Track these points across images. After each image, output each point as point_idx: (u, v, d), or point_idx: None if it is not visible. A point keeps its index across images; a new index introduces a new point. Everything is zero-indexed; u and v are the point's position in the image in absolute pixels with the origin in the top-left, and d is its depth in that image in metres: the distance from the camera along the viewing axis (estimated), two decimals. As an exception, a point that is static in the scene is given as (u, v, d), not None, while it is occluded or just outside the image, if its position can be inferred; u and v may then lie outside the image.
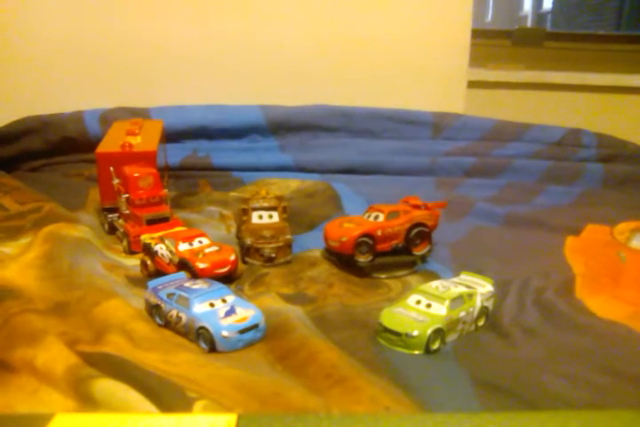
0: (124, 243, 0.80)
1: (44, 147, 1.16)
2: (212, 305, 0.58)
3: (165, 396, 0.45)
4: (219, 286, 0.61)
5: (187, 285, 0.61)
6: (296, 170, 1.14)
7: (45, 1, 1.24)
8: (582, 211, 0.98)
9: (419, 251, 0.76)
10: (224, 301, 0.58)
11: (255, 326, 0.56)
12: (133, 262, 0.76)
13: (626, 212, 0.94)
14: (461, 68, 1.41)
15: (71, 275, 0.68)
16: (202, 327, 0.55)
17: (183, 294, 0.59)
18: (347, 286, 0.70)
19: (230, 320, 0.55)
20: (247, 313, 0.57)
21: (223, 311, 0.57)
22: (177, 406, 0.44)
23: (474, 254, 0.80)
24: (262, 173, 1.12)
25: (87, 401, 0.45)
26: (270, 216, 0.79)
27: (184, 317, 0.57)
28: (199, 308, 0.57)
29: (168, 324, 0.58)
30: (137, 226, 0.79)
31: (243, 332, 0.54)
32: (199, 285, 0.61)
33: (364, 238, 0.72)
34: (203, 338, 0.55)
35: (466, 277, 0.66)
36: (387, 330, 0.56)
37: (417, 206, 0.79)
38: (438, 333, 0.56)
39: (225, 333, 0.54)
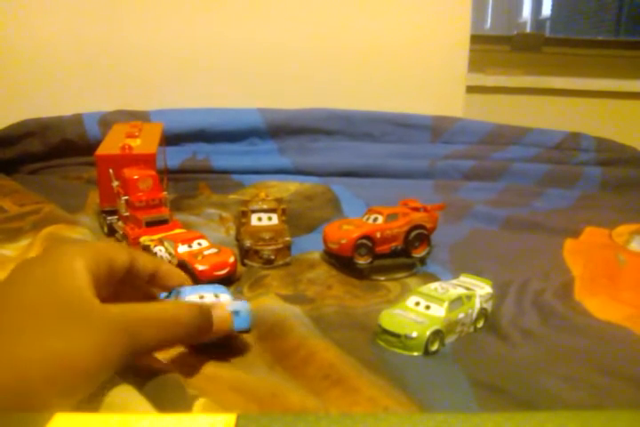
0: (124, 245, 0.80)
1: (43, 149, 1.16)
2: (201, 297, 0.56)
3: (165, 392, 0.44)
4: (214, 286, 0.60)
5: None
6: (295, 173, 1.15)
7: (45, 4, 1.24)
8: (581, 214, 0.98)
9: (418, 253, 0.76)
10: (216, 296, 0.57)
11: (236, 313, 0.53)
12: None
13: (624, 215, 0.94)
14: (460, 73, 1.42)
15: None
16: None
17: (175, 293, 0.58)
18: (346, 287, 0.70)
19: None
20: (229, 301, 0.55)
21: (209, 300, 0.55)
22: (177, 404, 0.44)
23: (473, 256, 0.80)
24: (261, 175, 1.12)
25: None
26: (269, 218, 0.80)
27: None
28: (189, 298, 0.56)
29: None
30: (136, 228, 0.79)
31: None
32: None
33: (363, 240, 0.72)
34: None
35: (465, 278, 0.66)
36: (386, 332, 0.56)
37: (416, 209, 0.80)
38: (437, 334, 0.56)
39: None
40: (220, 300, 0.56)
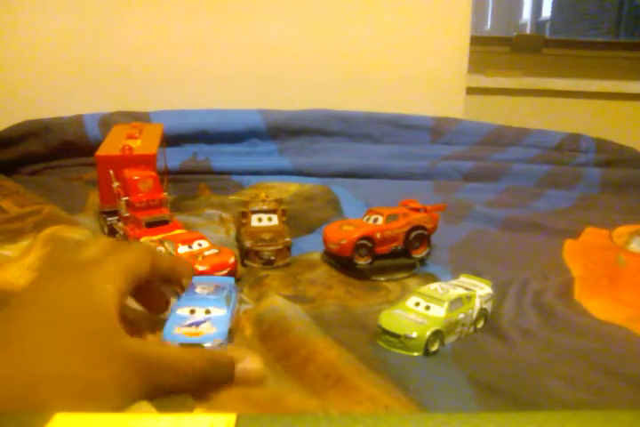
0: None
1: (43, 150, 1.16)
2: (192, 311, 0.55)
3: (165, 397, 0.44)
4: (220, 294, 0.58)
5: (195, 289, 0.59)
6: (295, 174, 1.15)
7: (46, 5, 1.24)
8: (581, 214, 0.98)
9: (418, 254, 0.76)
10: (207, 312, 0.53)
11: (200, 345, 0.52)
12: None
13: (624, 215, 0.95)
14: (461, 75, 1.42)
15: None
16: None
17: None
18: (346, 288, 0.70)
19: (182, 331, 0.52)
20: (206, 331, 0.51)
21: (191, 321, 0.52)
22: (177, 408, 0.44)
23: (473, 257, 0.80)
24: (261, 176, 1.13)
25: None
26: (270, 219, 0.80)
27: None
28: (180, 312, 0.55)
29: None
30: (136, 229, 0.79)
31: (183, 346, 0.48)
32: (205, 289, 0.59)
33: (364, 241, 0.72)
34: None
35: (465, 279, 0.66)
36: (386, 332, 0.56)
37: (416, 209, 0.80)
38: (437, 334, 0.56)
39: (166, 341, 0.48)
40: (211, 317, 0.54)
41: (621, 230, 0.77)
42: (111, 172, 0.83)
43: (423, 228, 0.77)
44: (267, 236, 0.77)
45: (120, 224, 0.83)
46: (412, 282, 0.72)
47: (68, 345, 0.34)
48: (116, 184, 0.83)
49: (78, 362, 0.33)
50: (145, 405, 0.41)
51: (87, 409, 0.33)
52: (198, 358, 0.42)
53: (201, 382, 0.42)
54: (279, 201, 0.83)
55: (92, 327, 0.35)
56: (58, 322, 0.35)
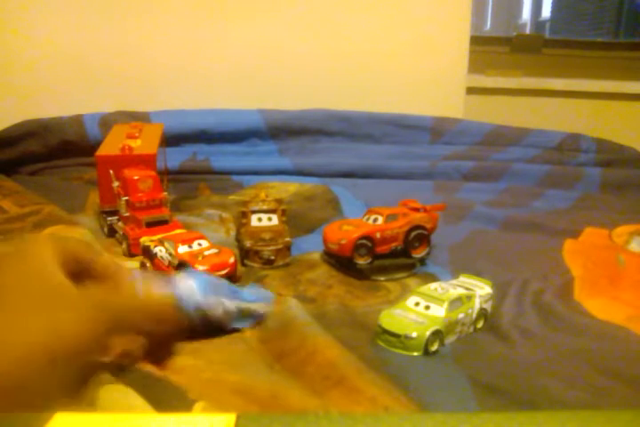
0: (124, 245, 0.80)
1: (43, 150, 1.16)
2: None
3: (165, 397, 0.45)
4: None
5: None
6: (295, 173, 1.15)
7: (45, 5, 1.24)
8: (581, 214, 0.98)
9: (417, 253, 0.76)
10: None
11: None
12: (133, 265, 0.76)
13: (624, 215, 0.94)
14: (460, 75, 1.42)
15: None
16: None
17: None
18: (346, 288, 0.70)
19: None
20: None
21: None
22: (177, 407, 0.44)
23: (472, 257, 0.80)
24: (261, 176, 1.13)
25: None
26: (269, 219, 0.79)
27: None
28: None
29: None
30: (136, 228, 0.79)
31: None
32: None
33: (363, 241, 0.72)
34: None
35: (465, 279, 0.66)
36: (386, 332, 0.56)
37: (416, 209, 0.80)
38: (437, 334, 0.56)
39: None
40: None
41: (621, 230, 0.77)
42: (111, 172, 0.83)
43: (423, 227, 0.77)
44: (267, 236, 0.77)
45: (120, 224, 0.83)
46: (412, 282, 0.72)
47: (28, 307, 0.35)
48: (116, 184, 0.83)
49: (43, 319, 0.34)
50: (138, 399, 0.41)
51: (70, 358, 0.34)
52: (168, 304, 0.43)
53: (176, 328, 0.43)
54: (279, 201, 0.83)
55: (38, 284, 0.36)
56: (6, 288, 0.36)
